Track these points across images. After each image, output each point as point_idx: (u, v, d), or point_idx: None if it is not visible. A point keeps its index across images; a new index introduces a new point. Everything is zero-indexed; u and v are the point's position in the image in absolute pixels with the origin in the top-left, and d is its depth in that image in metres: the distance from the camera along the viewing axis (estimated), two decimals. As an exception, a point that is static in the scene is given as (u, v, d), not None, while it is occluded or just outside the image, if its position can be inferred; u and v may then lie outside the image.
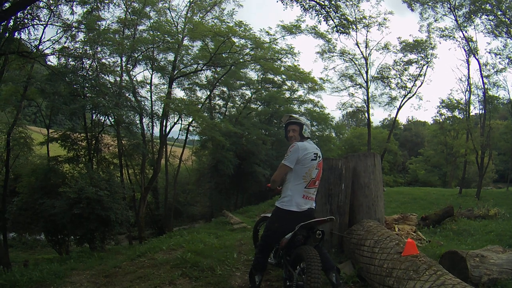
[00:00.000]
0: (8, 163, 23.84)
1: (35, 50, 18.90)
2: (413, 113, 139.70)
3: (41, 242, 28.70)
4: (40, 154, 29.24)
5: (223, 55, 28.02)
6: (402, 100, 36.25)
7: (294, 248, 4.49)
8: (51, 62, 23.32)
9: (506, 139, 36.79)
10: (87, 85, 23.33)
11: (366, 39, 34.64)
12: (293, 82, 37.02)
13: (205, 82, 34.04)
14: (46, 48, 21.01)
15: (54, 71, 21.55)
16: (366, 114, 37.17)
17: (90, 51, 23.91)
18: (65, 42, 22.38)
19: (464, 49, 31.42)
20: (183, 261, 6.30)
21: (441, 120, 43.46)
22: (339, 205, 6.45)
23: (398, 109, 36.87)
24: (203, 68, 30.24)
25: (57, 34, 21.34)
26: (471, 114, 36.03)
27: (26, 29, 15.51)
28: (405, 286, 3.83)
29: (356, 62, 35.41)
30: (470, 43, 30.60)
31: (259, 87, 36.13)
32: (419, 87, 35.50)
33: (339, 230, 6.41)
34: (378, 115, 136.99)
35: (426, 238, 8.39)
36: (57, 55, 22.20)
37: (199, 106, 31.52)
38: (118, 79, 26.26)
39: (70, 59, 22.76)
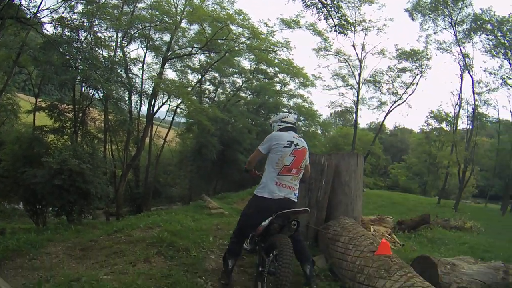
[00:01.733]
0: (-6, 129, 23.75)
1: (33, 17, 18.80)
2: (400, 119, 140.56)
3: (19, 212, 28.44)
4: (26, 123, 28.95)
5: (219, 41, 28.05)
6: (391, 106, 36.86)
7: (269, 236, 4.57)
8: (47, 31, 23.14)
9: (490, 157, 37.76)
10: (80, 57, 22.99)
11: (363, 42, 34.97)
12: (285, 75, 37.18)
13: (198, 66, 33.99)
14: (44, 16, 20.81)
15: (49, 39, 21.34)
16: (354, 115, 37.66)
17: (87, 23, 23.75)
18: (63, 12, 22.22)
19: (460, 64, 32.10)
20: (160, 240, 6.34)
21: (427, 130, 43.99)
22: (318, 199, 6.55)
23: (386, 114, 37.54)
24: (198, 52, 30.40)
25: (57, 2, 21.12)
26: (458, 128, 36.62)
27: None
28: (375, 284, 3.93)
29: (351, 63, 35.77)
30: (466, 59, 31.12)
31: (251, 76, 36.30)
32: (410, 95, 36.27)
33: (315, 224, 6.51)
34: (365, 118, 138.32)
35: (400, 242, 8.56)
36: (54, 24, 21.99)
37: (189, 89, 31.54)
38: (111, 54, 26.17)
39: (66, 30, 22.61)
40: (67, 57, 22.61)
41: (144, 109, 30.06)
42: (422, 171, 49.87)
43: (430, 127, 42.72)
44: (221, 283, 4.86)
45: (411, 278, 3.72)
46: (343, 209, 6.66)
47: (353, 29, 28.80)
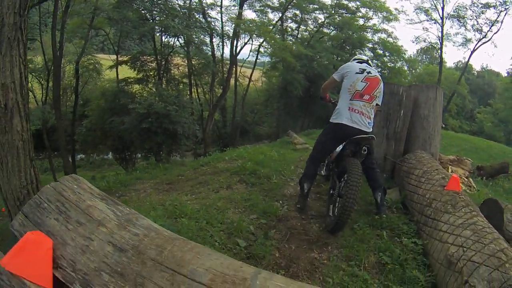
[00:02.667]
0: (77, 89, 25.17)
1: None
2: (487, 61, 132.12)
3: (108, 161, 30.26)
4: (109, 78, 30.04)
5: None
6: (476, 44, 34.55)
7: (342, 161, 4.75)
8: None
9: None
10: (156, 9, 23.58)
11: None
12: (368, 9, 35.45)
13: (277, 5, 33.10)
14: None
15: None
16: (439, 52, 35.91)
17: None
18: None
19: None
20: (243, 169, 6.61)
21: (515, 74, 41.09)
22: (396, 131, 6.49)
23: (472, 52, 35.24)
24: (276, -10, 29.43)
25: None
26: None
27: None
28: (440, 218, 3.94)
29: (433, -4, 33.86)
30: None
31: (333, 12, 34.82)
32: (495, 33, 33.61)
33: (393, 156, 6.50)
34: (452, 56, 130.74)
35: (476, 187, 8.35)
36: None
37: (271, 28, 31.00)
38: (187, 1, 26.36)
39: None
40: (143, 11, 23.20)
41: (227, 50, 30.38)
42: (508, 118, 46.48)
43: (518, 70, 39.84)
44: (296, 207, 5.07)
45: (475, 216, 3.68)
46: (421, 144, 6.57)
47: None
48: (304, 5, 32.69)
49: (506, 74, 48.92)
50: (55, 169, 23.13)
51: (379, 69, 35.30)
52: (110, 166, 28.60)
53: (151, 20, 23.36)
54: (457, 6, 33.96)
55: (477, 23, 33.67)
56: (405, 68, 39.87)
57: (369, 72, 4.80)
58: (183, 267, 1.53)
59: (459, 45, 35.83)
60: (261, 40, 29.78)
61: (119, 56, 28.30)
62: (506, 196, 9.34)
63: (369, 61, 5.24)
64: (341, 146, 4.87)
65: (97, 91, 28.80)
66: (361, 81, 4.71)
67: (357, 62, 5.07)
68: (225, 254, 2.32)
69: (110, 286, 1.58)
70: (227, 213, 4.61)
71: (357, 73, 4.76)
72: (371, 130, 4.72)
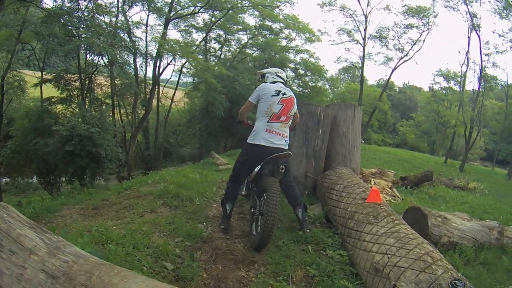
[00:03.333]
0: (2, 108, 23.96)
1: None
2: (409, 77, 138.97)
3: (33, 185, 28.91)
4: (34, 97, 29.11)
5: (222, -2, 27.55)
6: (397, 62, 36.28)
7: (260, 180, 4.90)
8: (46, 4, 23.11)
9: (498, 120, 37.01)
10: (82, 26, 23.02)
11: None
12: (291, 31, 36.14)
13: (202, 25, 33.45)
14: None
15: (50, 12, 21.31)
16: (360, 71, 37.31)
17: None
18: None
19: (468, 23, 31.35)
20: (165, 192, 6.62)
21: (435, 89, 43.56)
22: (315, 149, 6.76)
23: (393, 70, 37.03)
24: (200, 11, 29.84)
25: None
26: (467, 88, 36.31)
27: None
28: (363, 229, 4.16)
29: (356, 19, 35.26)
30: (474, 18, 30.47)
31: (256, 33, 35.37)
32: (416, 51, 35.55)
33: (314, 173, 6.73)
34: (374, 74, 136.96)
35: (400, 196, 8.74)
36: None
37: (194, 48, 31.29)
38: (114, 19, 25.91)
39: (66, 1, 22.41)
40: (69, 27, 22.63)
41: (150, 70, 30.17)
42: (430, 130, 49.35)
43: (439, 85, 42.39)
44: (220, 228, 5.16)
45: (397, 225, 3.92)
46: (341, 160, 6.87)
47: None
48: (228, 26, 33.21)
49: (428, 89, 51.54)
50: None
51: (301, 89, 36.30)
52: (36, 191, 27.37)
53: (77, 37, 22.83)
54: (380, 27, 35.56)
55: (399, 43, 35.39)
56: (327, 87, 41.16)
57: (284, 94, 5.03)
58: (111, 291, 1.57)
59: (381, 64, 37.50)
60: (184, 60, 29.82)
61: (44, 73, 27.23)
62: (432, 202, 9.83)
63: (286, 82, 5.51)
64: (259, 166, 5.01)
65: (21, 110, 27.45)
66: (277, 103, 4.94)
67: (271, 83, 5.28)
68: (154, 278, 2.34)
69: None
70: (152, 237, 4.63)
71: (273, 95, 4.97)
72: (287, 147, 4.95)
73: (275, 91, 5.01)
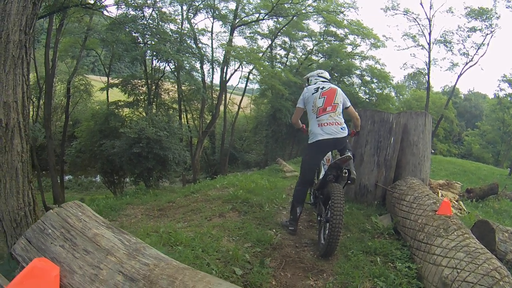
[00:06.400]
0: (68, 110, 25.23)
1: (97, 2, 19.72)
2: (474, 84, 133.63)
3: (96, 184, 30.03)
4: (99, 100, 30.38)
5: (285, 5, 27.67)
6: (463, 68, 34.95)
7: (326, 187, 4.91)
8: (111, 12, 23.99)
9: None
10: (148, 33, 23.75)
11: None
12: (356, 37, 35.38)
13: (267, 32, 33.39)
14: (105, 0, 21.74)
15: (116, 20, 22.19)
16: (427, 77, 36.31)
17: (150, 0, 24.14)
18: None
19: None
20: (235, 197, 6.69)
21: (501, 96, 41.63)
22: (386, 158, 6.64)
23: (459, 76, 35.53)
24: (265, 18, 29.95)
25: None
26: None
27: None
28: (433, 242, 4.02)
29: (420, 23, 34.36)
30: None
31: (321, 39, 35.06)
32: (481, 56, 34.14)
33: (384, 183, 6.60)
34: (439, 80, 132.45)
35: (466, 209, 8.41)
36: (117, 5, 22.77)
37: (260, 55, 31.25)
38: (179, 27, 26.50)
39: (130, 9, 23.26)
40: (135, 34, 23.45)
41: (216, 77, 30.54)
42: (495, 139, 46.79)
43: (504, 92, 40.30)
44: (289, 229, 5.25)
45: (467, 239, 3.77)
46: (411, 170, 6.71)
47: None
48: (293, 32, 33.01)
49: (493, 96, 49.26)
50: (43, 189, 22.95)
51: (367, 96, 35.62)
52: (98, 189, 28.37)
53: (143, 44, 23.46)
54: (444, 31, 34.48)
55: (464, 47, 34.09)
56: (393, 94, 40.16)
57: (323, 88, 5.16)
58: (195, 297, 1.56)
59: (446, 70, 36.33)
60: (251, 67, 29.98)
61: (110, 78, 28.33)
62: (496, 216, 9.37)
63: (330, 80, 5.62)
64: (322, 172, 5.08)
65: (87, 113, 29.04)
66: (319, 98, 5.06)
67: (312, 82, 5.51)
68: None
69: (121, 318, 1.60)
70: (221, 241, 4.65)
71: (313, 93, 5.14)
72: (346, 134, 4.99)
73: (314, 89, 5.23)
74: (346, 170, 4.89)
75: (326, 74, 5.63)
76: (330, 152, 5.32)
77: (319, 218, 4.99)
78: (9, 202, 4.08)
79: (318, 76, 5.56)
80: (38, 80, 25.20)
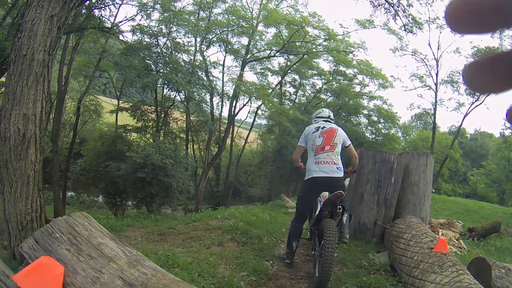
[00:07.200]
0: (77, 127, 25.46)
1: (114, 27, 20.32)
2: (481, 123, 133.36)
3: (98, 204, 29.87)
4: (107, 122, 30.50)
5: (297, 43, 28.02)
6: (469, 107, 34.98)
7: (320, 223, 4.99)
8: (126, 37, 24.35)
9: None
10: (161, 61, 24.14)
11: (439, 40, 33.72)
12: (364, 76, 35.52)
13: (277, 68, 33.78)
14: (122, 24, 22.32)
15: (130, 46, 22.69)
16: (433, 117, 36.42)
17: (166, 29, 24.70)
18: (140, 20, 23.44)
19: None
20: (234, 228, 6.80)
21: (506, 134, 41.60)
22: (387, 197, 6.73)
23: (464, 116, 35.47)
24: (276, 55, 30.30)
25: (136, 14, 22.63)
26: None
27: (105, 7, 16.67)
28: (427, 278, 4.09)
29: (427, 63, 34.63)
30: None
31: (331, 78, 35.30)
32: (487, 95, 34.21)
33: (383, 221, 6.67)
34: (446, 121, 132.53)
35: (466, 248, 8.45)
36: (133, 32, 23.37)
37: (270, 91, 31.57)
38: (191, 58, 26.98)
39: (146, 36, 23.82)
40: (148, 61, 23.87)
41: (225, 110, 30.85)
42: (500, 178, 46.53)
43: (509, 131, 40.33)
44: (285, 262, 5.32)
45: (461, 275, 3.84)
46: (411, 209, 6.79)
47: (422, 27, 27.46)
48: (303, 70, 33.51)
49: (499, 135, 49.16)
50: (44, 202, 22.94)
51: (373, 136, 35.68)
52: (100, 209, 28.16)
53: (155, 72, 23.85)
54: (451, 71, 34.59)
55: None
56: (399, 134, 40.18)
57: (323, 127, 5.36)
58: (189, 307, 1.66)
59: (452, 110, 36.25)
60: (260, 102, 30.31)
61: (120, 101, 28.65)
62: (497, 254, 9.32)
63: (330, 117, 5.79)
64: (318, 209, 5.12)
65: (95, 133, 29.19)
66: (319, 137, 5.26)
67: (314, 122, 5.73)
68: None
69: (119, 315, 1.69)
70: (218, 268, 4.76)
71: (313, 132, 5.35)
72: (341, 175, 5.14)
73: (315, 128, 5.43)
74: (340, 206, 4.97)
75: (325, 113, 5.80)
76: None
77: (313, 253, 5.08)
78: (18, 205, 4.27)
79: (317, 117, 5.77)
80: (50, 94, 25.56)
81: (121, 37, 23.29)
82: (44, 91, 4.31)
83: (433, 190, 10.42)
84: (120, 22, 21.48)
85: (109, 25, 20.16)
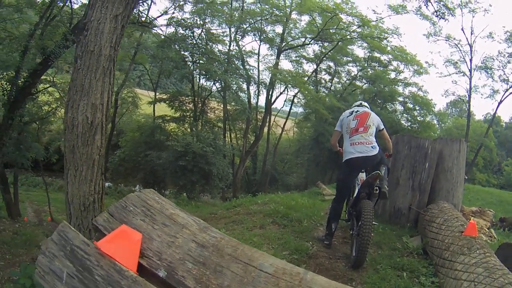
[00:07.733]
0: (115, 119, 26.12)
1: (152, 21, 21.05)
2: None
3: (136, 194, 30.65)
4: (145, 113, 31.02)
5: (331, 30, 28.04)
6: (503, 94, 33.76)
7: (358, 205, 5.25)
8: (161, 30, 24.78)
9: None
10: (197, 52, 24.58)
11: (472, 24, 32.70)
12: (399, 63, 35.05)
13: (312, 56, 33.68)
14: (156, 19, 22.83)
15: (167, 37, 23.23)
16: (467, 105, 35.61)
17: (200, 21, 25.06)
18: (173, 13, 23.71)
19: None
20: (275, 212, 7.02)
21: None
22: (421, 182, 6.85)
23: (499, 104, 34.00)
24: (311, 42, 30.36)
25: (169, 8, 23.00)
26: None
27: (143, 2, 17.30)
28: (456, 259, 4.27)
29: (461, 49, 33.77)
30: None
31: (365, 65, 35.11)
32: None
33: (417, 206, 6.79)
34: (481, 108, 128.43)
35: (496, 237, 8.47)
36: (168, 24, 23.79)
37: (305, 79, 31.69)
38: (227, 48, 27.22)
39: (180, 28, 24.24)
40: (184, 52, 24.35)
41: (262, 99, 30.89)
42: None
43: (545, 119, 39.00)
44: (324, 243, 5.60)
45: (488, 257, 3.99)
46: (444, 195, 6.87)
47: (454, 13, 26.35)
48: (338, 57, 33.32)
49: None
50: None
51: (409, 123, 35.16)
52: (138, 199, 28.77)
53: (192, 63, 24.21)
54: (485, 57, 33.58)
55: (504, 73, 33.12)
56: (435, 121, 39.37)
57: (357, 111, 5.61)
58: (253, 261, 1.93)
59: (487, 97, 35.16)
60: (296, 90, 30.39)
61: (157, 93, 29.28)
62: None
63: (362, 103, 6.05)
64: (356, 190, 5.51)
65: (132, 124, 29.95)
66: (353, 120, 5.49)
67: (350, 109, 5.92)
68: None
69: (193, 271, 1.95)
70: (262, 247, 5.09)
71: (348, 116, 5.60)
72: (376, 152, 5.28)
73: (349, 112, 5.72)
74: (377, 187, 5.21)
75: (359, 101, 6.18)
76: (364, 172, 5.68)
77: (351, 233, 5.33)
78: (82, 188, 4.76)
79: (354, 106, 6.00)
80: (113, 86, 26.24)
81: (158, 31, 23.84)
82: (110, 82, 4.78)
83: (466, 177, 10.38)
84: (158, 17, 21.96)
85: (145, 20, 20.64)
